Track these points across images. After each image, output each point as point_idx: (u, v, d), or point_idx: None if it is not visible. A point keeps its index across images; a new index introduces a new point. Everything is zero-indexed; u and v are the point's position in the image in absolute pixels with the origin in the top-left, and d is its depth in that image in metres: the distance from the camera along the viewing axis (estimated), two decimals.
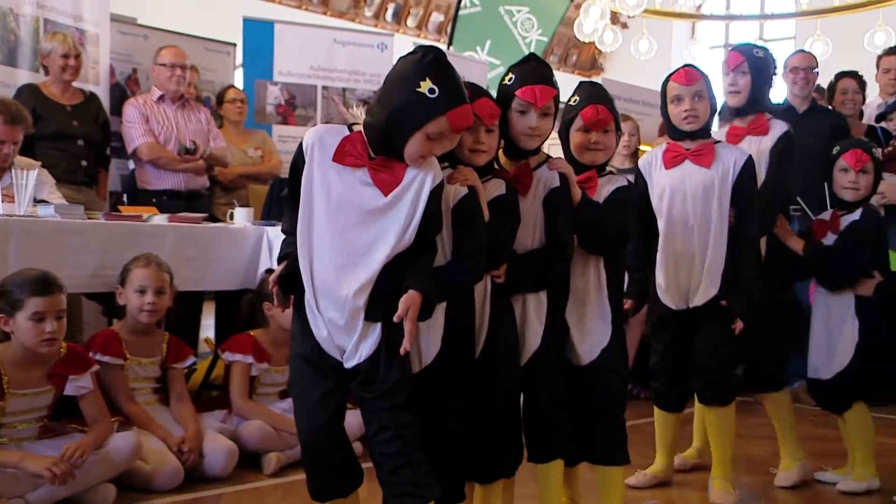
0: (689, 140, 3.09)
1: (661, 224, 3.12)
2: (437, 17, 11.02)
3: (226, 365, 3.59)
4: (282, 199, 2.36)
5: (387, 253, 2.08)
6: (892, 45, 6.18)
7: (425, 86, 2.00)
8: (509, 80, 2.43)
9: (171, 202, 4.60)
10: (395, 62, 2.11)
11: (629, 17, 7.97)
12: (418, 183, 2.10)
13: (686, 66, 3.13)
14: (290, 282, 2.17)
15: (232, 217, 4.20)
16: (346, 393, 2.21)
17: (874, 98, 5.47)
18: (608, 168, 2.69)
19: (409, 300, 2.07)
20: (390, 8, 10.81)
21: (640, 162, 3.27)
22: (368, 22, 10.72)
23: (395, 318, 2.05)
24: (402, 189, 2.09)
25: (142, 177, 4.71)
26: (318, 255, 2.12)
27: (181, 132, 4.75)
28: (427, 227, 2.12)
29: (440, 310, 2.23)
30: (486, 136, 2.31)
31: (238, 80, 5.93)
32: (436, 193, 2.12)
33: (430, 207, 2.10)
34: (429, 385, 2.23)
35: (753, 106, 3.25)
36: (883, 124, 4.79)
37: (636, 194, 2.82)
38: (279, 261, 2.25)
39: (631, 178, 3.06)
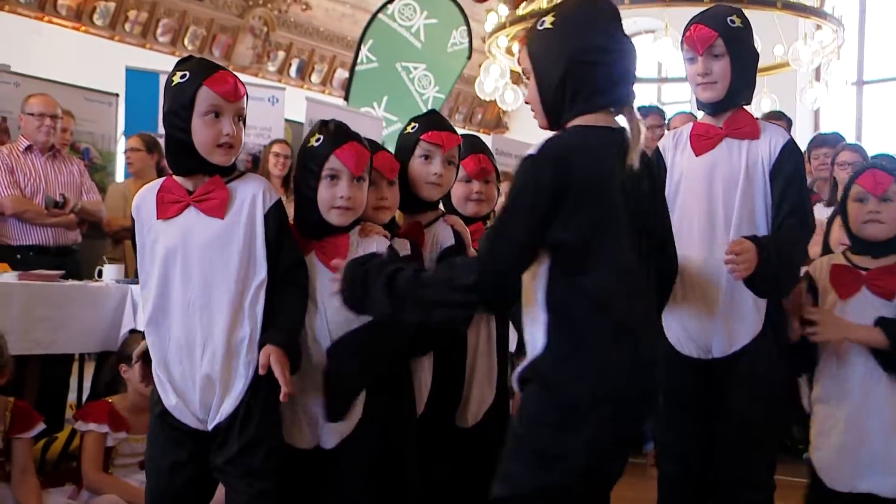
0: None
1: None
2: (341, 74, 10.93)
3: (80, 435, 3.34)
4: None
5: (234, 278, 1.98)
6: (775, 109, 6.42)
7: (177, 77, 2.04)
8: (412, 128, 2.38)
9: (38, 258, 4.31)
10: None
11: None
12: (250, 201, 2.05)
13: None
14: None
15: (101, 274, 3.99)
16: (202, 464, 2.04)
17: None
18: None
19: (266, 352, 1.95)
20: (294, 63, 10.71)
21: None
22: (272, 77, 10.58)
23: (261, 371, 1.95)
24: (236, 207, 2.04)
25: (3, 231, 4.43)
26: (166, 316, 2.02)
27: (50, 185, 4.49)
28: (275, 254, 2.04)
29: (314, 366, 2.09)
30: (389, 190, 2.27)
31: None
32: (274, 213, 2.06)
33: (271, 229, 2.04)
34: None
35: (733, 99, 2.32)
36: None
37: None
38: None
39: None
